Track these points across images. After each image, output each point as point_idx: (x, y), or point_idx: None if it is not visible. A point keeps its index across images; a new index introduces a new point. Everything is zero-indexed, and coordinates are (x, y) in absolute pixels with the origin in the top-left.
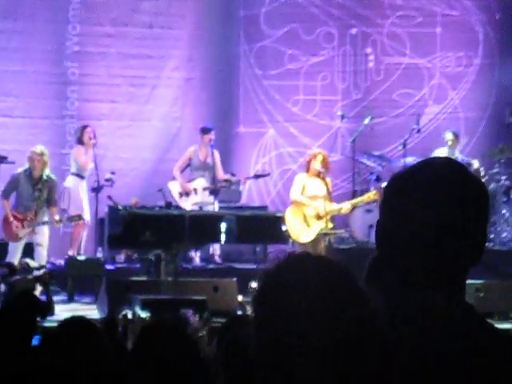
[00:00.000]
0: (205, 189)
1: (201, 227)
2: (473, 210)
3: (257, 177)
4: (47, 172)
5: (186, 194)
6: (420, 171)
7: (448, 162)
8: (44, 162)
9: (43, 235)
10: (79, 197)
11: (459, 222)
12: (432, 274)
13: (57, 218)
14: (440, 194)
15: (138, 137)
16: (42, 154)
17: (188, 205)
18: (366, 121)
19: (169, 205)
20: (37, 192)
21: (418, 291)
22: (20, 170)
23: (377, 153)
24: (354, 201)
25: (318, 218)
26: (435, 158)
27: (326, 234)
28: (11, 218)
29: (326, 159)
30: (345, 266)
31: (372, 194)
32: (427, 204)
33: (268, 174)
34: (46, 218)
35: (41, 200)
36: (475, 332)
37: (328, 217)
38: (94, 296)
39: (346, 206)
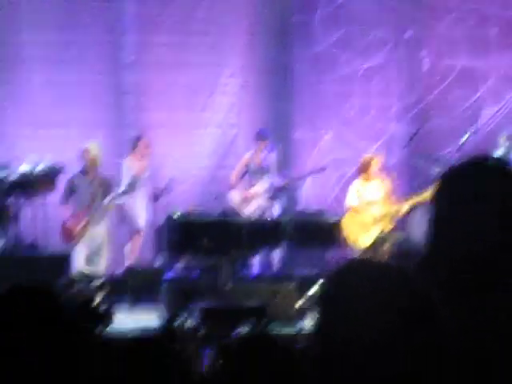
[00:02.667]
0: (264, 193)
1: (259, 233)
2: None
3: (312, 173)
4: (99, 170)
5: (246, 200)
6: (479, 165)
7: (502, 160)
8: (95, 159)
9: (102, 242)
10: (133, 211)
11: None
12: (491, 271)
13: None
14: (503, 187)
15: (195, 144)
16: (92, 151)
17: (249, 211)
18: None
19: (226, 211)
20: (92, 189)
21: (477, 291)
22: (73, 173)
23: (433, 155)
24: (412, 201)
25: (376, 222)
26: (487, 155)
27: (385, 238)
28: (70, 221)
29: (381, 162)
30: (404, 270)
31: (428, 194)
32: (490, 196)
33: (323, 169)
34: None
35: (98, 198)
36: None
37: (387, 219)
38: (152, 305)
39: (403, 208)
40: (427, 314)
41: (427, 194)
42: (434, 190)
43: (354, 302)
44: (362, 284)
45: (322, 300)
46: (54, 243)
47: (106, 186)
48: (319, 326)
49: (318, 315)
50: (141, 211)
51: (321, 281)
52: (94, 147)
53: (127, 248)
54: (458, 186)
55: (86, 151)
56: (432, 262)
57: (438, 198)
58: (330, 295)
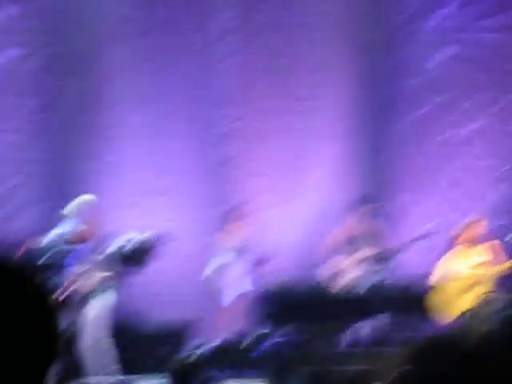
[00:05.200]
0: (365, 260)
1: (360, 300)
2: None
3: (421, 238)
4: None
5: (349, 267)
6: None
7: None
8: None
9: None
10: (234, 274)
11: None
12: None
13: None
14: None
15: (296, 212)
16: None
17: (351, 278)
18: None
19: (326, 280)
20: None
21: None
22: None
23: None
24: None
25: (476, 285)
26: None
27: (488, 301)
28: None
29: (485, 224)
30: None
31: None
32: None
33: (433, 234)
34: None
35: None
36: None
37: (489, 282)
38: (255, 374)
39: (505, 266)
40: None
41: None
42: None
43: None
44: (432, 371)
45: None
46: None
47: None
48: None
49: None
50: (238, 281)
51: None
52: None
53: (225, 318)
54: None
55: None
56: None
57: None
58: (406, 378)
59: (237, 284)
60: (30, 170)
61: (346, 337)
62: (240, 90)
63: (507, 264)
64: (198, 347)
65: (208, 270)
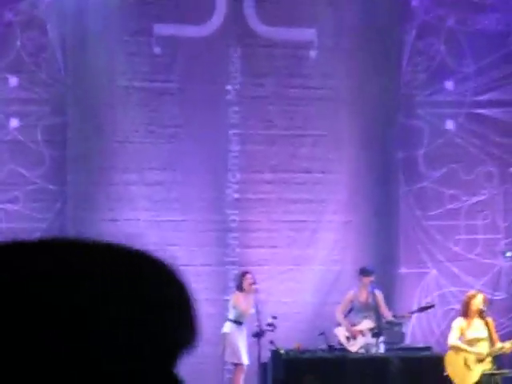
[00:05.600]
0: (370, 330)
1: (364, 370)
2: None
3: (421, 310)
4: None
5: (353, 337)
6: None
7: None
8: None
9: None
10: (237, 343)
11: None
12: None
13: None
14: None
15: (300, 281)
16: None
17: (355, 347)
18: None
19: (332, 348)
20: None
21: None
22: None
23: None
24: None
25: (480, 361)
26: None
27: (491, 375)
28: None
29: (485, 299)
30: None
31: None
32: None
33: (433, 306)
34: None
35: None
36: None
37: (490, 357)
38: None
39: (507, 345)
40: None
41: None
42: None
43: None
44: None
45: None
46: None
47: None
48: None
49: None
50: (242, 348)
51: None
52: None
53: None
54: None
55: None
56: None
57: None
58: None
59: (245, 348)
60: None
61: None
62: (241, 164)
63: (507, 344)
64: None
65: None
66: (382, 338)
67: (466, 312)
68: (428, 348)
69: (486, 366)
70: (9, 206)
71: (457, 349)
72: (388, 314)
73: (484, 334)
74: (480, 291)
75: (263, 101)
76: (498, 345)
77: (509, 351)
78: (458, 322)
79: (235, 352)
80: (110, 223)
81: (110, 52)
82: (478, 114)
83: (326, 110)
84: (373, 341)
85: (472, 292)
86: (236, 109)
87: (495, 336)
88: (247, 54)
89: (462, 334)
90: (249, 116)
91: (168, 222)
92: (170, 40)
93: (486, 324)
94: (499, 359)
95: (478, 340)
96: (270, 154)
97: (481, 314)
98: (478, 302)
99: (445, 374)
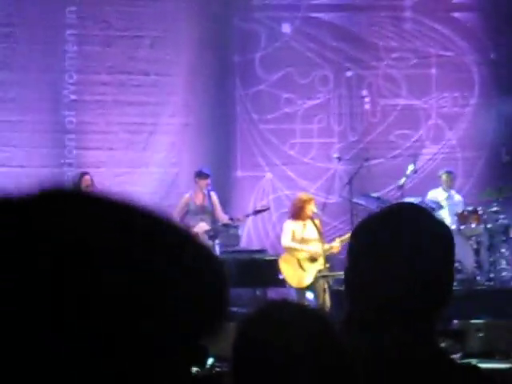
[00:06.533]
0: (205, 233)
1: None
2: (439, 252)
3: (256, 212)
4: None
5: None
6: (388, 217)
7: (413, 207)
8: None
9: None
10: None
11: (426, 264)
12: (398, 313)
13: None
14: (407, 238)
15: (137, 183)
16: None
17: None
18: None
19: None
20: None
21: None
22: None
23: (374, 194)
24: (344, 237)
25: (313, 260)
26: (402, 204)
27: (324, 277)
28: None
29: (314, 202)
30: (323, 316)
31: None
32: (396, 248)
33: (267, 209)
34: None
35: None
36: (440, 371)
37: (322, 259)
38: None
39: (335, 244)
40: (340, 359)
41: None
42: (351, 235)
43: (264, 350)
44: (270, 331)
45: (233, 345)
46: None
47: None
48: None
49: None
50: None
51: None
52: None
53: None
54: (373, 233)
55: None
56: (350, 298)
57: (354, 248)
58: (241, 341)
59: None
60: None
61: None
62: (77, 65)
63: (335, 243)
64: None
65: None
66: (217, 241)
67: (298, 214)
68: (263, 251)
69: (320, 267)
70: None
71: (291, 250)
72: (224, 217)
73: (315, 234)
74: (311, 195)
75: (100, 1)
76: (327, 246)
77: (337, 250)
78: (290, 224)
79: None
80: None
81: None
82: (314, 18)
83: (163, 11)
84: (209, 243)
85: (307, 196)
86: (73, 8)
87: (322, 237)
88: None
89: (294, 236)
90: (85, 16)
91: (5, 123)
92: None
93: (315, 225)
94: (331, 261)
95: (309, 241)
96: (106, 55)
97: (313, 216)
98: (312, 206)
99: (280, 276)
